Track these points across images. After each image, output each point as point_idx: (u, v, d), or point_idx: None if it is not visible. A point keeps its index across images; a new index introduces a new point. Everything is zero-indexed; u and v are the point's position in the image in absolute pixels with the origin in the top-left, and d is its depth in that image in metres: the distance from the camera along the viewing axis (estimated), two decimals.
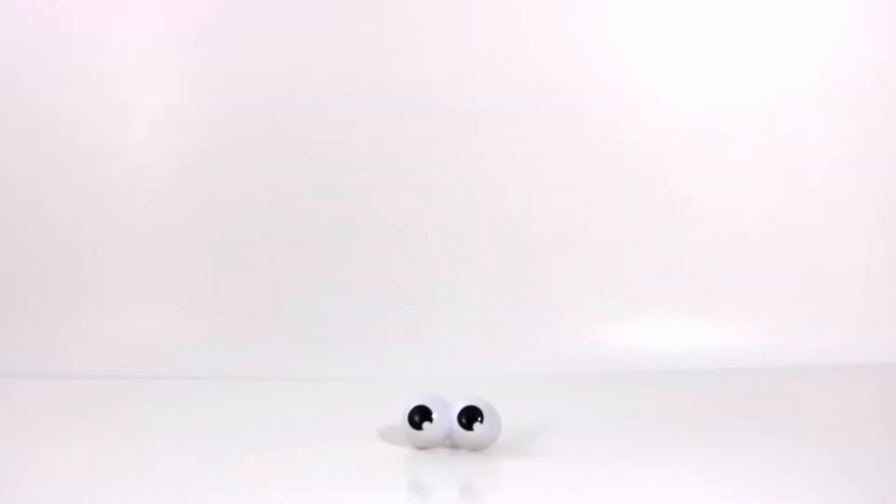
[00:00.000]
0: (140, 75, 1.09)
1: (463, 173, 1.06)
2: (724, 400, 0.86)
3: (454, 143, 1.06)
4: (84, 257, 1.09)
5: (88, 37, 1.09)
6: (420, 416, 0.66)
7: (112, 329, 1.05)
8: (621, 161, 1.05)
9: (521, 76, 1.05)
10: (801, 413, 0.81)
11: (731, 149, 1.05)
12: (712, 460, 0.65)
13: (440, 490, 0.62)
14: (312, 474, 0.62)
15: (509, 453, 0.65)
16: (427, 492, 0.62)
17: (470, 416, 0.65)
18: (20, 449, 0.70)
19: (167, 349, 1.02)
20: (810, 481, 0.60)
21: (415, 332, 1.01)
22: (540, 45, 1.06)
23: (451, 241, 1.06)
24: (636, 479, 0.60)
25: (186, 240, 1.08)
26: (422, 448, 0.67)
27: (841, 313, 1.04)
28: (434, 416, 0.65)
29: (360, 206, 1.07)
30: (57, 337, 1.05)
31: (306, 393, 0.90)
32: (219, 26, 1.08)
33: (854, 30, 1.06)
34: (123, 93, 1.09)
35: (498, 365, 0.95)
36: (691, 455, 0.66)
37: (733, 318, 1.02)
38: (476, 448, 0.66)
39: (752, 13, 1.06)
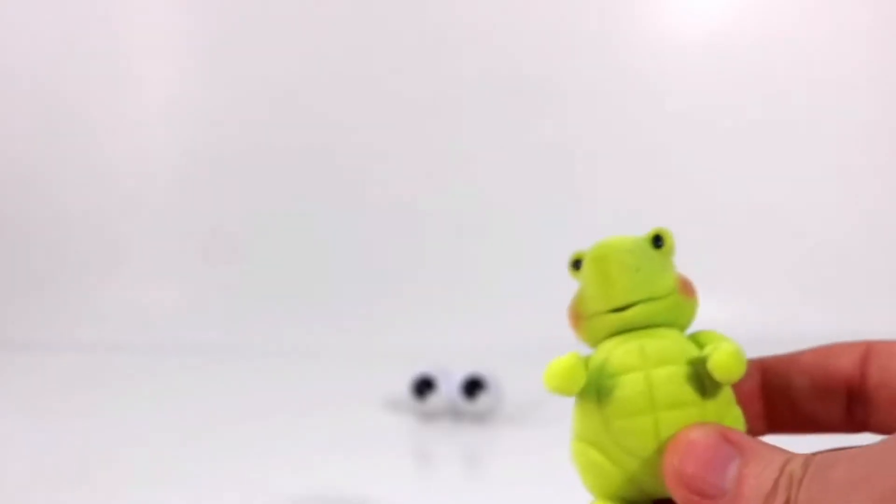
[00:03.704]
0: (152, 55, 1.09)
1: (458, 159, 1.06)
2: None
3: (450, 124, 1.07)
4: (97, 231, 1.10)
5: (100, 19, 1.09)
6: (424, 386, 0.67)
7: (124, 301, 1.06)
8: (624, 145, 1.05)
9: (501, 66, 1.05)
10: None
11: (735, 144, 1.05)
12: None
13: (444, 459, 0.63)
14: (318, 444, 0.63)
15: (511, 423, 0.66)
16: (431, 460, 0.64)
17: (473, 386, 0.66)
18: (31, 419, 0.72)
19: (177, 322, 1.03)
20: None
21: (419, 303, 1.02)
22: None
23: (454, 217, 1.06)
24: None
25: (195, 216, 1.09)
26: (426, 417, 0.68)
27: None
28: (437, 386, 0.66)
29: (364, 187, 1.07)
30: (70, 308, 1.06)
31: (313, 365, 0.91)
32: (227, 10, 1.08)
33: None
34: (136, 73, 1.10)
35: (500, 336, 0.96)
36: None
37: (733, 298, 1.03)
38: (479, 417, 0.67)
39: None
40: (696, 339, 0.23)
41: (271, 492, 0.53)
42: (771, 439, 0.22)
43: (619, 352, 0.22)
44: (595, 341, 0.24)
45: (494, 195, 1.06)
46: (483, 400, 0.65)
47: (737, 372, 0.21)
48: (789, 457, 0.19)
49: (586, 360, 0.23)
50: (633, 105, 1.05)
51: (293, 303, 1.03)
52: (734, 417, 0.22)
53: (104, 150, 1.11)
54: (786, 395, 0.25)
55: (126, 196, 1.10)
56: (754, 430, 0.25)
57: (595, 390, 0.23)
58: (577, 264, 0.24)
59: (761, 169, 1.03)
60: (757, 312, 0.98)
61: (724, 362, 0.21)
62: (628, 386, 0.22)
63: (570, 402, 0.25)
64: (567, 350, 0.23)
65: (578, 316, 0.24)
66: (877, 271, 1.01)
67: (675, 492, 0.21)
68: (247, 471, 0.57)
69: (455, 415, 0.67)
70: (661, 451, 0.22)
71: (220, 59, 1.10)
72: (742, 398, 0.24)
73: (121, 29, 1.10)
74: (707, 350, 0.22)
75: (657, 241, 0.24)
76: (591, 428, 0.23)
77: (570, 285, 0.25)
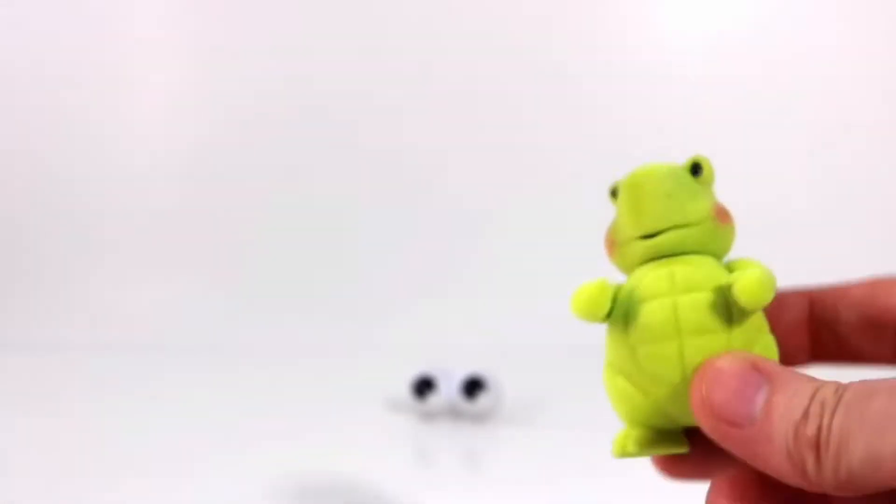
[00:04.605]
0: (150, 54, 1.09)
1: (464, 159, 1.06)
2: None
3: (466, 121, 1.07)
4: (92, 229, 1.10)
5: (101, 18, 1.09)
6: (424, 386, 0.67)
7: (122, 301, 1.06)
8: (624, 144, 1.05)
9: (500, 65, 1.05)
10: None
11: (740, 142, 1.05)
12: None
13: (444, 459, 0.63)
14: (318, 444, 0.63)
15: (511, 423, 0.66)
16: (431, 460, 0.63)
17: (473, 386, 0.66)
18: (29, 419, 0.72)
19: (177, 322, 1.03)
20: None
21: (419, 303, 1.02)
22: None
23: (454, 217, 1.06)
24: None
25: (193, 213, 1.09)
26: (426, 417, 0.68)
27: None
28: (437, 386, 0.66)
29: (364, 187, 1.07)
30: (64, 307, 1.06)
31: (312, 365, 0.91)
32: (226, 9, 1.08)
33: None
34: (134, 72, 1.10)
35: (500, 336, 0.96)
36: None
37: None
38: (479, 417, 0.67)
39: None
40: (731, 267, 0.23)
41: (271, 492, 0.53)
42: (814, 371, 0.21)
43: (648, 278, 0.22)
44: (628, 268, 0.24)
45: (494, 195, 1.06)
46: (483, 400, 0.65)
47: (763, 298, 0.21)
48: (820, 384, 0.19)
49: (616, 288, 0.23)
50: (633, 105, 1.05)
51: (292, 302, 1.03)
52: (764, 345, 0.22)
53: (102, 150, 1.11)
54: (832, 328, 0.24)
55: (125, 196, 1.10)
56: (797, 362, 0.25)
57: (623, 316, 0.23)
58: (615, 192, 0.24)
59: (761, 168, 1.03)
60: None
61: (749, 288, 0.21)
62: (653, 312, 0.22)
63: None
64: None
65: (612, 242, 0.24)
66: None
67: (702, 420, 0.20)
68: (246, 471, 0.57)
69: (455, 415, 0.67)
70: (686, 378, 0.21)
71: (217, 58, 1.10)
72: (787, 329, 0.24)
73: (119, 29, 1.10)
74: (734, 276, 0.21)
75: (696, 169, 0.23)
76: (620, 355, 0.23)
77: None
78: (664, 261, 0.23)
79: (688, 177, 0.23)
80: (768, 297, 0.21)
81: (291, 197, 1.08)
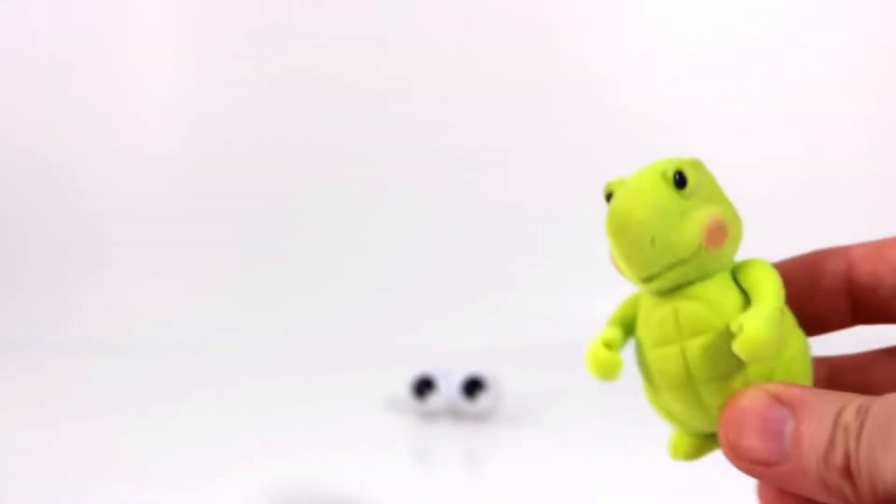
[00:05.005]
0: (149, 51, 1.09)
1: (460, 151, 1.06)
2: None
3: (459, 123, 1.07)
4: (93, 229, 1.10)
5: (101, 18, 1.09)
6: (424, 386, 0.67)
7: (118, 300, 1.06)
8: (625, 145, 1.05)
9: (499, 65, 1.05)
10: None
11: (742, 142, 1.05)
12: None
13: (444, 459, 0.63)
14: (318, 444, 0.63)
15: (511, 423, 0.66)
16: (431, 460, 0.63)
17: (473, 386, 0.66)
18: (27, 418, 0.72)
19: (176, 322, 1.03)
20: None
21: (419, 303, 1.02)
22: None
23: (454, 217, 1.06)
24: (636, 448, 0.61)
25: (194, 214, 1.09)
26: (426, 417, 0.68)
27: None
28: (437, 386, 0.66)
29: (364, 187, 1.07)
30: (64, 307, 1.06)
31: (312, 365, 0.91)
32: (227, 9, 1.09)
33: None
34: (130, 76, 1.10)
35: (500, 336, 0.96)
36: None
37: None
38: (479, 417, 0.67)
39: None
40: (741, 276, 0.22)
41: (270, 492, 0.53)
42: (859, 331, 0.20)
43: (654, 319, 0.22)
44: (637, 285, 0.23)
45: (495, 195, 1.06)
46: (483, 400, 0.65)
47: (761, 355, 0.20)
48: (843, 405, 0.18)
49: (632, 319, 0.23)
50: (633, 105, 1.05)
51: (293, 303, 1.03)
52: (788, 359, 0.21)
53: (104, 151, 1.11)
54: (874, 291, 0.24)
55: (126, 196, 1.10)
56: (840, 325, 0.24)
57: (639, 361, 0.23)
58: (609, 198, 0.23)
59: (761, 166, 1.03)
60: None
61: (747, 348, 0.20)
62: (663, 362, 0.22)
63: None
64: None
65: (617, 269, 0.23)
66: None
67: (736, 465, 0.20)
68: (246, 470, 0.57)
69: (455, 415, 0.67)
70: (711, 419, 0.21)
71: (218, 59, 1.10)
72: (827, 294, 0.23)
73: (122, 30, 1.10)
74: (734, 325, 0.20)
75: (680, 180, 0.22)
76: (649, 391, 0.23)
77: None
78: (667, 296, 0.22)
79: (672, 198, 0.21)
80: (766, 352, 0.20)
81: (292, 197, 1.08)
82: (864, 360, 0.25)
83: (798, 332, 0.22)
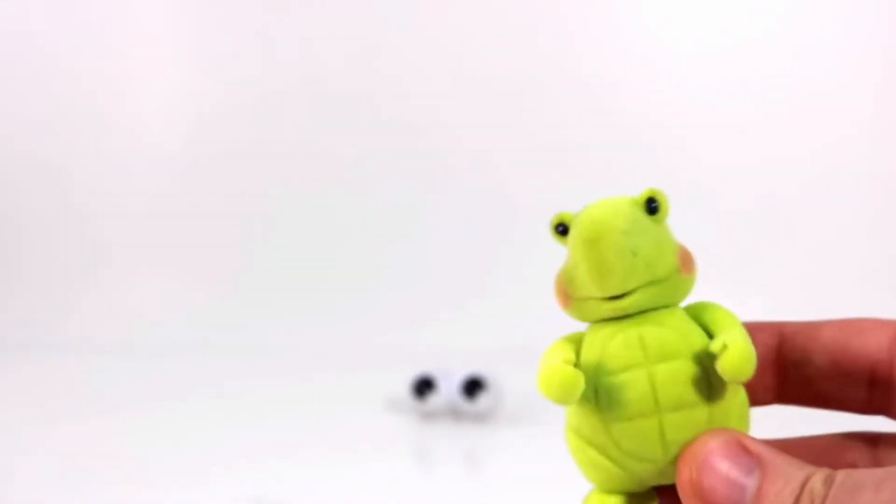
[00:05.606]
0: (149, 51, 1.09)
1: (460, 155, 1.07)
2: None
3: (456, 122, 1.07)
4: (93, 229, 1.10)
5: (101, 18, 1.09)
6: (424, 386, 0.67)
7: (118, 300, 1.06)
8: (625, 145, 1.05)
9: (498, 65, 1.05)
10: None
11: (743, 143, 1.05)
12: None
13: (444, 459, 0.63)
14: (318, 444, 0.63)
15: (511, 423, 0.66)
16: (431, 460, 0.64)
17: (473, 386, 0.66)
18: (26, 419, 0.72)
19: (176, 322, 1.03)
20: None
21: (419, 303, 1.02)
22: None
23: (454, 217, 1.06)
24: None
25: (194, 214, 1.09)
26: (426, 417, 0.68)
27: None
28: (437, 386, 0.66)
29: (364, 187, 1.07)
30: (64, 307, 1.06)
31: (312, 365, 0.91)
32: (227, 9, 1.09)
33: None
34: (128, 76, 1.10)
35: (500, 336, 0.96)
36: None
37: (733, 294, 1.03)
38: (479, 417, 0.67)
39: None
40: (697, 315, 0.21)
41: (270, 492, 0.53)
42: (779, 412, 0.20)
43: (616, 345, 0.21)
44: (587, 320, 0.22)
45: (495, 195, 1.06)
46: (483, 400, 0.66)
47: (748, 373, 0.20)
48: (810, 473, 0.19)
49: (578, 353, 0.21)
50: (632, 105, 1.05)
51: (292, 303, 1.03)
52: (740, 404, 0.21)
53: (103, 151, 1.11)
54: (801, 370, 0.23)
55: (126, 196, 1.10)
56: (763, 402, 0.24)
57: (593, 388, 0.21)
58: (561, 229, 0.22)
59: (761, 166, 1.03)
60: (759, 308, 0.98)
61: (734, 364, 0.19)
62: (628, 387, 0.20)
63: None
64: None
65: (568, 296, 0.21)
66: (880, 271, 1.01)
67: (690, 503, 0.20)
68: (245, 470, 0.57)
69: (455, 415, 0.67)
70: (668, 455, 0.20)
71: (218, 59, 1.10)
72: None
73: (122, 31, 1.10)
74: (715, 345, 0.20)
75: (651, 206, 0.21)
76: (589, 426, 0.21)
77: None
78: (629, 321, 0.21)
79: (646, 220, 0.21)
80: (752, 372, 0.20)
81: (291, 197, 1.08)
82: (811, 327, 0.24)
83: (742, 392, 0.21)
